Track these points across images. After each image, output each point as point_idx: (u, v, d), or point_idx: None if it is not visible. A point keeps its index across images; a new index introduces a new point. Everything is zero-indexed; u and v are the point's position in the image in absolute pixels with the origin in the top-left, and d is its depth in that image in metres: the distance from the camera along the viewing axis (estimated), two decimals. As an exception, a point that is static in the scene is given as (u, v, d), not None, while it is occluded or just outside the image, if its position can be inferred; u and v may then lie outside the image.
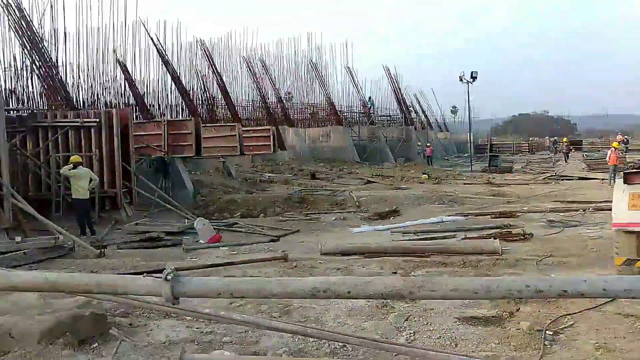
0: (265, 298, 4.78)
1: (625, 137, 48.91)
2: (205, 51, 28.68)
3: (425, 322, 5.44)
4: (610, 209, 13.91)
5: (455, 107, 64.20)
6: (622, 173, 7.21)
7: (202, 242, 10.67)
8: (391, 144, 41.99)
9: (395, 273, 7.75)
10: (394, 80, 45.58)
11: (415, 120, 51.03)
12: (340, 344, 4.74)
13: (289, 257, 8.89)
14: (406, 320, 5.51)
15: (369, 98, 44.25)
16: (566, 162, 36.04)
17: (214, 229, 11.51)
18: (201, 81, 28.36)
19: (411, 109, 51.40)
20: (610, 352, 4.57)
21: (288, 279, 4.88)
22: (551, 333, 5.03)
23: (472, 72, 36.16)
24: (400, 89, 46.65)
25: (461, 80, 36.17)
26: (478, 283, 3.80)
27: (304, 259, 8.92)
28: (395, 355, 4.54)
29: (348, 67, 41.11)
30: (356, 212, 15.38)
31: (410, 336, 5.11)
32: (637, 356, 4.46)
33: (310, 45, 38.22)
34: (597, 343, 4.80)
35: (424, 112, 59.20)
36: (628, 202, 6.09)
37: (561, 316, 5.47)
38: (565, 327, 5.23)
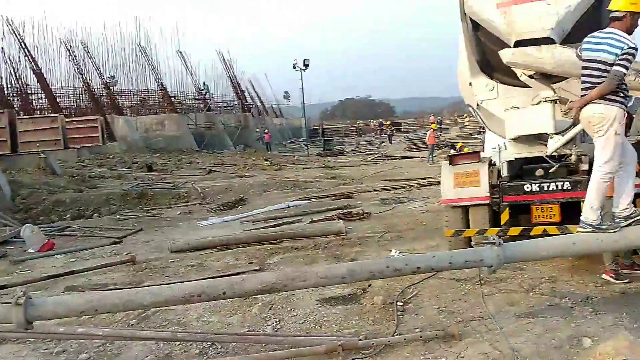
0: (135, 310, 4.51)
1: (439, 118, 54.53)
2: (14, 31, 25.38)
3: (288, 309, 5.59)
4: (432, 185, 15.68)
5: (288, 93, 65.88)
6: (447, 155, 8.11)
7: (33, 251, 9.54)
8: (229, 131, 41.70)
9: (252, 263, 7.81)
10: (229, 66, 45.23)
11: (251, 106, 51.27)
12: (209, 343, 4.67)
13: (137, 259, 8.42)
14: (270, 309, 5.61)
15: (204, 84, 43.30)
16: (390, 143, 39.34)
17: (44, 235, 10.36)
18: (11, 67, 25.09)
19: (247, 95, 51.52)
20: (451, 314, 5.19)
21: (157, 287, 4.68)
22: (401, 304, 5.53)
23: (304, 60, 37.40)
24: (235, 75, 46.44)
25: (294, 67, 37.19)
26: (344, 268, 4.07)
27: (153, 260, 8.52)
28: (265, 345, 4.63)
29: (179, 52, 39.78)
30: (202, 204, 15.05)
31: (276, 324, 5.22)
32: (472, 314, 5.11)
33: (139, 28, 36.06)
34: (439, 307, 5.40)
35: (259, 97, 59.79)
36: (453, 181, 6.88)
37: (407, 287, 6.04)
38: (411, 297, 5.79)
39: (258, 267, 7.49)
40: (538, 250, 4.36)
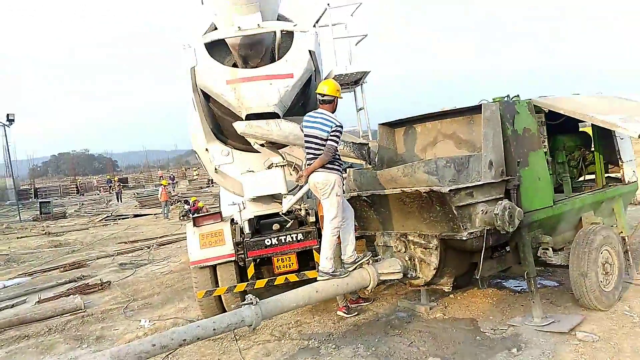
0: None
1: (170, 174, 53.45)
2: None
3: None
4: (171, 243, 15.46)
5: None
6: (183, 215, 8.23)
7: None
8: None
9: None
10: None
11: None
12: None
13: None
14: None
15: None
16: (120, 201, 36.94)
17: None
18: None
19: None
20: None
21: None
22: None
23: (7, 115, 32.96)
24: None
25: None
26: (107, 356, 3.81)
27: None
28: None
29: None
30: None
31: None
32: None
33: None
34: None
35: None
36: (199, 242, 7.04)
37: (164, 358, 5.89)
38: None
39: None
40: (289, 302, 4.86)
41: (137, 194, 36.83)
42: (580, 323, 5.45)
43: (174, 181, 46.21)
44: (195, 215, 8.86)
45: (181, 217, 21.87)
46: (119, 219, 25.55)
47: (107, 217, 26.98)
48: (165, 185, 25.27)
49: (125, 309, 8.62)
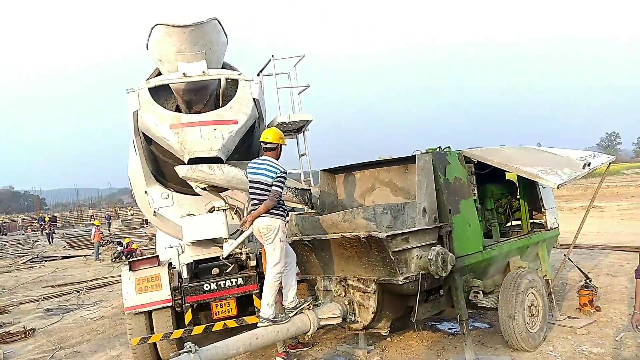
0: None
1: (106, 213, 51.09)
2: None
3: None
4: (103, 286, 14.82)
5: None
6: (126, 260, 8.00)
7: None
8: None
9: None
10: None
11: None
12: None
13: None
14: None
15: None
16: (51, 242, 33.94)
17: None
18: None
19: None
20: None
21: None
22: None
23: None
24: None
25: None
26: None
27: None
28: None
29: None
30: None
31: None
32: None
33: None
34: None
35: None
36: (135, 287, 6.85)
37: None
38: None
39: None
40: (229, 349, 4.80)
41: (67, 234, 35.05)
42: (509, 364, 5.71)
43: (109, 220, 44.40)
44: (132, 259, 8.62)
45: (113, 259, 21.07)
46: (46, 261, 24.18)
47: (33, 259, 25.45)
48: (97, 226, 24.30)
49: (51, 358, 8.15)
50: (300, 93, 8.36)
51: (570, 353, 5.89)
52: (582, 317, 7.05)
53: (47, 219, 40.64)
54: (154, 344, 6.84)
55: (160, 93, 6.88)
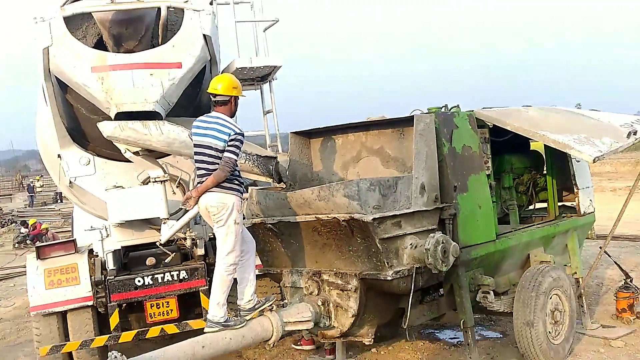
0: None
1: (30, 182, 49.33)
2: None
3: None
4: (0, 279, 14.80)
5: None
6: (33, 246, 8.01)
7: None
8: None
9: None
10: None
11: None
12: None
13: None
14: None
15: None
16: None
17: None
18: None
19: None
20: None
21: None
22: None
23: None
24: None
25: None
26: None
27: None
28: None
29: None
30: None
31: None
32: None
33: None
34: None
35: None
36: (44, 280, 6.89)
37: None
38: None
39: None
40: (166, 360, 4.92)
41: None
42: (525, 383, 5.96)
43: (32, 193, 43.31)
44: (40, 243, 8.63)
45: (15, 245, 20.97)
46: None
47: None
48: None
49: None
50: (266, 29, 8.35)
51: (602, 370, 6.16)
52: (619, 325, 7.35)
53: None
54: (69, 354, 6.94)
55: (78, 23, 6.81)
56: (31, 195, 42.69)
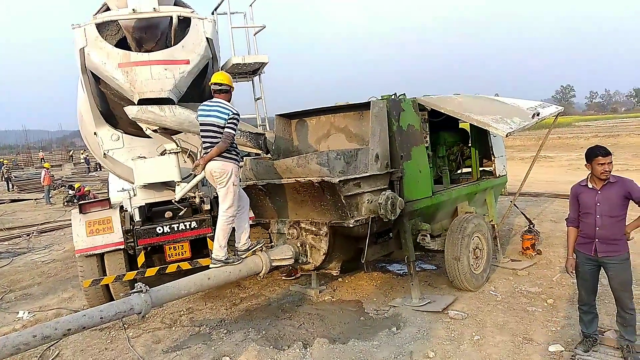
0: None
1: (86, 156, 48.16)
2: None
3: None
4: (54, 230, 14.59)
5: None
6: (66, 201, 7.85)
7: None
8: None
9: None
10: None
11: None
12: None
13: None
14: None
15: None
16: (11, 188, 29.25)
17: None
18: None
19: None
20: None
21: None
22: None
23: None
24: None
25: None
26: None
27: None
28: None
29: None
30: None
31: None
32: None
33: None
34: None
35: None
36: (86, 229, 6.79)
37: (46, 349, 5.67)
38: (54, 358, 5.49)
39: None
40: (180, 289, 4.88)
41: (15, 177, 33.87)
42: (453, 303, 6.05)
43: (89, 164, 41.80)
44: (82, 201, 8.48)
45: (65, 203, 20.64)
46: (-7, 204, 23.44)
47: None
48: (47, 169, 23.58)
49: (0, 300, 8.07)
50: (256, 34, 8.17)
51: (510, 292, 6.27)
52: (523, 260, 7.48)
53: (7, 162, 37.64)
54: (107, 286, 6.88)
55: (105, 28, 6.60)
56: (88, 166, 42.05)
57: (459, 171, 8.23)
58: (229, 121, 5.14)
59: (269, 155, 6.73)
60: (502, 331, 5.21)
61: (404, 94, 6.42)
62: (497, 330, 5.24)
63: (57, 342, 5.71)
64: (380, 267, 7.78)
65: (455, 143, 7.96)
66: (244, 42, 8.05)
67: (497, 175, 7.84)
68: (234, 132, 5.18)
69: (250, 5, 8.04)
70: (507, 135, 6.20)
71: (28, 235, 14.09)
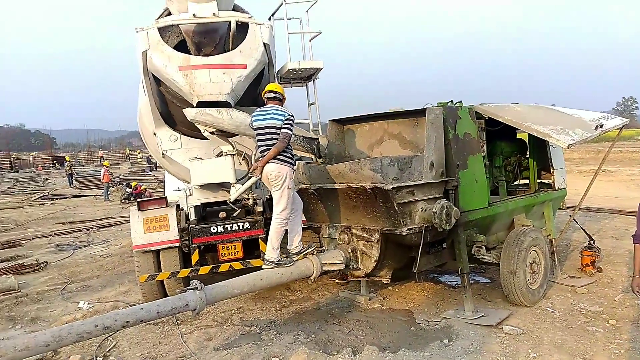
0: None
1: (147, 157, 49.05)
2: None
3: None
4: (112, 226, 15.13)
5: None
6: (135, 201, 8.12)
7: None
8: None
9: None
10: None
11: None
12: None
13: None
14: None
15: None
16: (72, 184, 31.34)
17: None
18: None
19: None
20: (153, 359, 5.33)
21: None
22: (101, 359, 5.37)
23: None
24: None
25: None
26: (48, 335, 3.80)
27: None
28: None
29: None
30: None
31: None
32: (175, 355, 5.38)
33: None
34: (141, 355, 5.48)
35: None
36: (143, 226, 6.99)
37: (104, 340, 5.87)
38: (111, 349, 5.67)
39: None
40: (234, 289, 4.95)
41: (77, 174, 35.47)
42: (507, 317, 5.84)
43: (151, 164, 41.54)
44: (140, 199, 8.76)
45: (122, 200, 21.39)
46: (57, 199, 24.61)
47: (44, 196, 25.91)
48: (107, 167, 24.56)
49: (62, 290, 8.44)
50: (311, 39, 8.21)
51: (568, 310, 6.01)
52: (583, 277, 7.15)
53: (68, 158, 39.32)
54: (161, 281, 7.04)
55: (166, 33, 6.79)
56: (150, 166, 42.50)
57: (516, 182, 7.97)
58: (285, 122, 5.24)
59: (321, 160, 6.75)
60: (559, 350, 4.99)
61: (461, 102, 6.29)
62: (554, 349, 5.02)
63: (115, 333, 5.89)
64: (432, 277, 7.62)
65: (513, 153, 7.71)
66: (300, 48, 8.11)
67: (556, 187, 7.54)
68: (290, 131, 5.26)
69: (307, 11, 8.09)
70: (568, 147, 5.95)
71: (88, 230, 14.70)
